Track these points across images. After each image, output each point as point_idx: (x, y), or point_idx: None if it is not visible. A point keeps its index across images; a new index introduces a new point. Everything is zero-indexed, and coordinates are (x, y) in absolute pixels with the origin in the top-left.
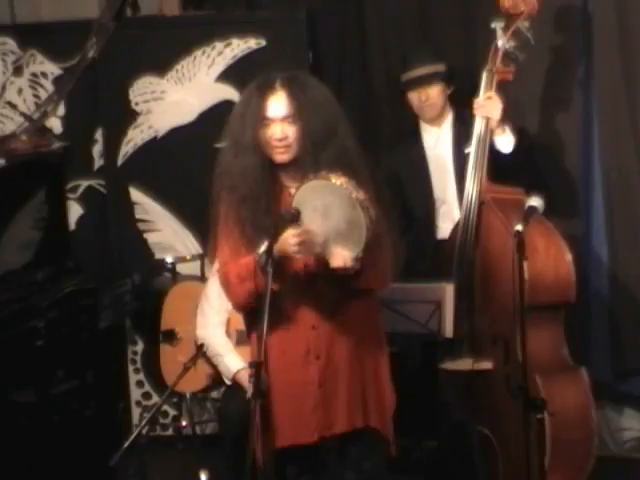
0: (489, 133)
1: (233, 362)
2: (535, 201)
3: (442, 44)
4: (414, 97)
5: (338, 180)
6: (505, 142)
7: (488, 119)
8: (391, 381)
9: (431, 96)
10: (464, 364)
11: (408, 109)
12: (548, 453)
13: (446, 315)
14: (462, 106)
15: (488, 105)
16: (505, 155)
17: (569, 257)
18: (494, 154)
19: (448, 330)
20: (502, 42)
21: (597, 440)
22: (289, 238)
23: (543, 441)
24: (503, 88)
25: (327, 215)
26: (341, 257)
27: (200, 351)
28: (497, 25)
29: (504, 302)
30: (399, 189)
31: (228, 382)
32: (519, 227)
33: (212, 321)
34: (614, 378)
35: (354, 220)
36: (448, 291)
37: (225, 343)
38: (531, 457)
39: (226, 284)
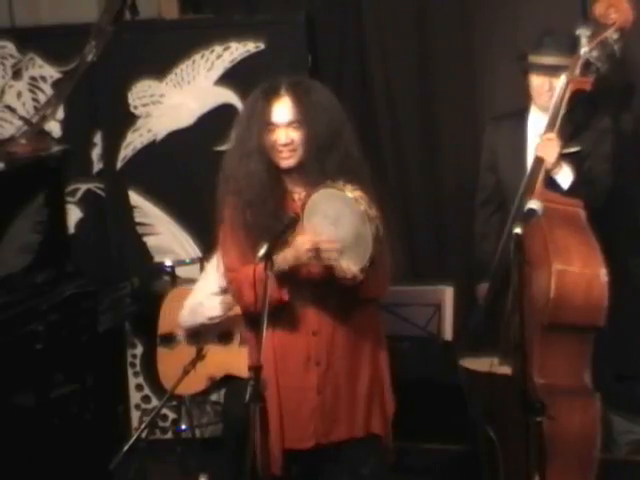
0: (546, 172)
1: (212, 303)
2: (534, 204)
3: (440, 47)
4: (538, 82)
5: (353, 193)
6: (563, 177)
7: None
8: (391, 387)
9: (554, 87)
10: (484, 364)
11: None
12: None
13: (445, 318)
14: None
15: (546, 147)
16: (564, 190)
17: (605, 280)
18: (553, 186)
19: (447, 333)
20: (584, 50)
21: (596, 468)
22: (303, 245)
23: (543, 447)
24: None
25: (337, 224)
26: (345, 268)
27: (200, 354)
28: (582, 33)
29: (530, 311)
30: (495, 165)
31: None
32: (518, 230)
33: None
34: (616, 382)
35: (362, 235)
36: (447, 294)
37: (204, 288)
38: (531, 464)
39: (237, 290)
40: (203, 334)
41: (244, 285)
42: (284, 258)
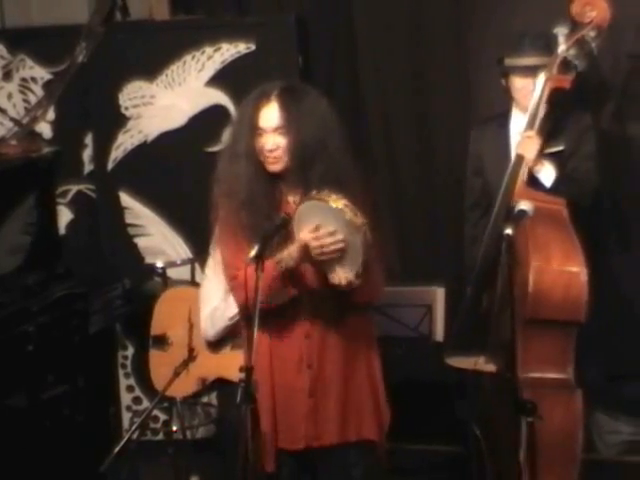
0: (528, 169)
1: (227, 302)
2: (525, 204)
3: (432, 48)
4: (522, 83)
5: (338, 202)
6: (546, 175)
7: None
8: (385, 393)
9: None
10: (470, 363)
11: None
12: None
13: (437, 318)
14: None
15: (526, 144)
16: (547, 188)
17: (585, 277)
18: (536, 185)
19: (439, 334)
20: (562, 49)
21: (580, 465)
22: (311, 242)
23: (534, 446)
24: (558, 96)
25: None
26: (338, 275)
27: (191, 356)
28: (559, 31)
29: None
30: (481, 169)
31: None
32: (509, 230)
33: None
34: (605, 381)
35: (351, 243)
36: (439, 294)
37: (212, 294)
38: (519, 463)
39: (235, 288)
40: (226, 339)
41: (239, 285)
42: (289, 254)
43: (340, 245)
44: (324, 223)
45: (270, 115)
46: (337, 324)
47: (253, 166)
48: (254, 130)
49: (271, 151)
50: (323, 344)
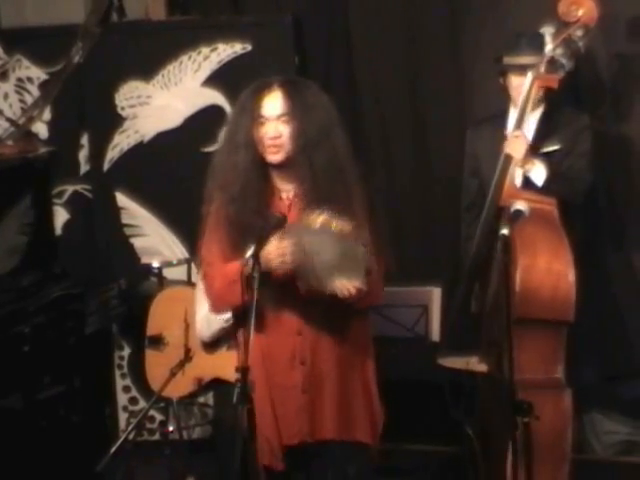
0: (517, 166)
1: None
2: (521, 204)
3: (427, 47)
4: (518, 82)
5: (318, 220)
6: (537, 174)
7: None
8: (378, 394)
9: None
10: (463, 363)
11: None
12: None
13: (433, 319)
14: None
15: (514, 144)
16: (538, 187)
17: (572, 277)
18: (528, 184)
19: (435, 334)
20: (549, 48)
21: (570, 464)
22: (270, 252)
23: (529, 447)
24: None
25: (319, 252)
26: (346, 287)
27: (187, 356)
28: (546, 31)
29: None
30: (477, 169)
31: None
32: (505, 231)
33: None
34: (601, 381)
35: (347, 251)
36: (435, 295)
37: None
38: (513, 462)
39: (210, 286)
40: (222, 340)
41: (219, 282)
42: None
43: (290, 255)
44: (312, 244)
45: (274, 103)
46: (330, 321)
47: (251, 156)
48: (256, 119)
49: (273, 138)
50: (316, 342)
